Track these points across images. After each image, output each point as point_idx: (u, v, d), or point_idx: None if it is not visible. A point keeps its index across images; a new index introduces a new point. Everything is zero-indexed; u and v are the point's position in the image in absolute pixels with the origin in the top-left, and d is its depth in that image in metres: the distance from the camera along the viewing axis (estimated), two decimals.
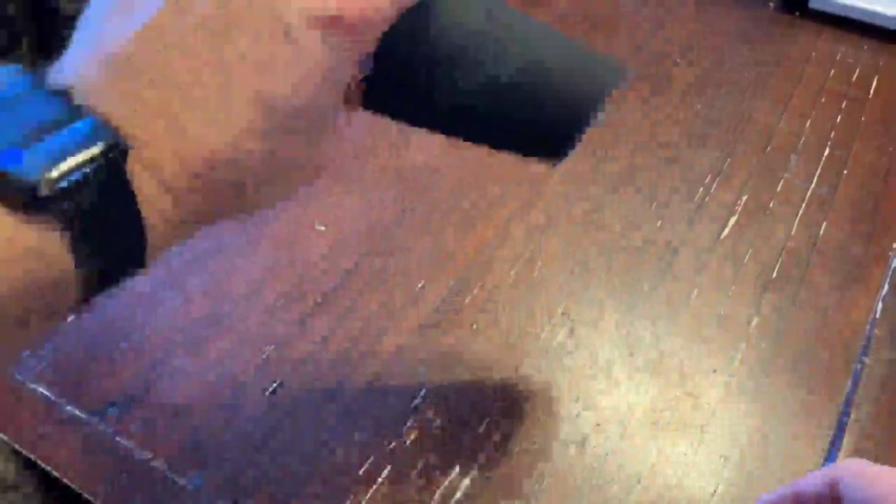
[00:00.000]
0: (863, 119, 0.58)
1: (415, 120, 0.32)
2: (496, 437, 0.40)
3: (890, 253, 0.49)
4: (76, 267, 0.21)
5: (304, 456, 0.39)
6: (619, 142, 0.56)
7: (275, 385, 0.42)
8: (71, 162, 0.20)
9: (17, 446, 0.39)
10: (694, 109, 0.58)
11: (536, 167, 0.53)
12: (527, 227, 0.50)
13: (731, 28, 0.65)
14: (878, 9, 0.64)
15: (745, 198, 0.52)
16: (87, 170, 0.21)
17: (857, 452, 0.40)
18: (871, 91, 0.60)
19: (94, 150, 0.21)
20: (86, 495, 0.37)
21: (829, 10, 0.65)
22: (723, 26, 0.65)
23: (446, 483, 0.38)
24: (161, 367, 0.43)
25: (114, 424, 0.40)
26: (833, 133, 0.57)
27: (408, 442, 0.40)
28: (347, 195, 0.52)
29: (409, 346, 0.44)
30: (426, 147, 0.55)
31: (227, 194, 0.24)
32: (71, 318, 0.45)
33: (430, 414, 0.41)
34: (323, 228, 0.49)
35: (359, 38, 0.25)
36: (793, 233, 0.50)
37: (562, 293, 0.47)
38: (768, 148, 0.55)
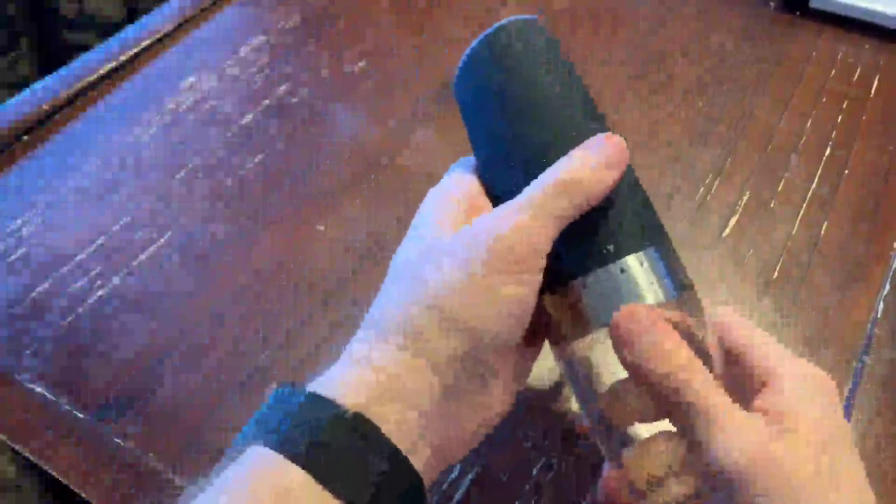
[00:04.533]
0: (864, 118, 0.57)
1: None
2: (496, 438, 0.40)
3: (891, 252, 0.49)
4: None
5: None
6: None
7: (275, 386, 0.42)
8: None
9: (16, 446, 0.39)
10: (695, 108, 0.58)
11: None
12: None
13: (733, 27, 0.65)
14: (879, 8, 0.63)
15: (746, 197, 0.52)
16: None
17: (858, 451, 0.39)
18: (872, 91, 0.60)
19: None
20: (85, 496, 0.37)
21: (829, 9, 0.65)
22: (724, 25, 0.65)
23: (446, 483, 0.38)
24: (161, 367, 0.43)
25: (113, 425, 0.40)
26: (834, 132, 0.57)
27: None
28: (347, 196, 0.52)
29: None
30: (427, 149, 0.55)
31: None
32: (70, 317, 0.45)
33: None
34: (322, 228, 0.49)
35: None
36: (794, 232, 0.50)
37: None
38: (769, 147, 0.55)
